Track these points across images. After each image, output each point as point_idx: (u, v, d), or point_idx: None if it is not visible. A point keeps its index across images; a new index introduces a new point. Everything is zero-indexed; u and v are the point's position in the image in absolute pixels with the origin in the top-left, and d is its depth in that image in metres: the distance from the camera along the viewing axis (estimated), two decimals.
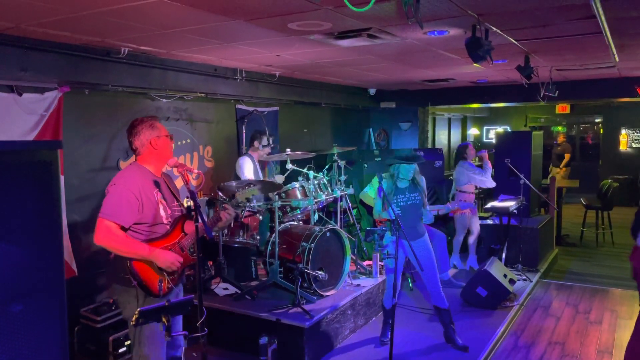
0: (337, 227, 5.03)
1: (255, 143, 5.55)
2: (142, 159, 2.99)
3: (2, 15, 3.35)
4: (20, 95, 4.08)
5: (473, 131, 13.82)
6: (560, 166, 11.35)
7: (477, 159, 6.92)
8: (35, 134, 4.15)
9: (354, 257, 5.31)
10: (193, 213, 2.74)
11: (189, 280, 5.02)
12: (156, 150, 2.97)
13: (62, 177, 4.19)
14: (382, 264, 5.28)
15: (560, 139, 11.86)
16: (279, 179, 5.54)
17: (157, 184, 2.97)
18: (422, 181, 4.45)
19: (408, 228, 4.27)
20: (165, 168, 3.09)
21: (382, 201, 4.13)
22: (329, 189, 5.25)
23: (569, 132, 14.64)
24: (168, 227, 2.95)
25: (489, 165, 6.62)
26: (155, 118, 3.05)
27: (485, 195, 7.19)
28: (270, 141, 5.62)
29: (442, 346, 4.43)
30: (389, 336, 4.51)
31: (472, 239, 6.66)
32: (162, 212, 2.92)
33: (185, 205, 2.80)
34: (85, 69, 4.53)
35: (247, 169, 5.34)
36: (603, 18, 3.66)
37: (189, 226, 3.00)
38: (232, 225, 4.71)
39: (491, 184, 6.67)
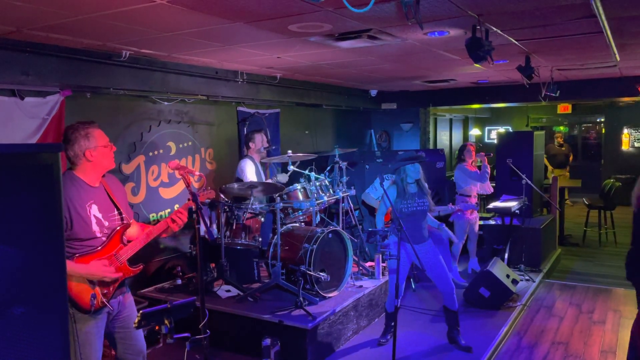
0: (339, 228, 5.02)
1: (250, 144, 5.44)
2: (76, 170, 2.79)
3: (4, 20, 3.37)
4: (22, 99, 4.09)
5: (475, 132, 13.82)
6: (569, 163, 11.40)
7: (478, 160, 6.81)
8: (38, 137, 4.16)
9: (356, 259, 5.31)
10: (195, 215, 2.74)
11: (191, 283, 5.04)
12: (91, 162, 2.78)
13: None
14: (384, 265, 5.28)
15: (561, 139, 11.83)
16: (282, 178, 5.50)
17: (92, 195, 2.79)
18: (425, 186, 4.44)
19: (415, 232, 4.26)
20: (167, 170, 3.07)
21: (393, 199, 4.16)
22: (331, 190, 5.24)
23: (571, 132, 14.62)
24: (104, 239, 2.79)
25: (488, 169, 6.36)
26: (93, 125, 2.82)
27: (487, 195, 7.18)
28: (268, 142, 5.55)
29: (445, 347, 4.42)
30: (388, 337, 4.52)
31: (471, 243, 6.57)
32: (94, 227, 2.75)
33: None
34: (87, 73, 4.54)
35: (249, 171, 5.29)
36: (603, 17, 3.65)
37: (130, 236, 2.91)
38: (234, 227, 4.71)
39: (486, 190, 6.48)
